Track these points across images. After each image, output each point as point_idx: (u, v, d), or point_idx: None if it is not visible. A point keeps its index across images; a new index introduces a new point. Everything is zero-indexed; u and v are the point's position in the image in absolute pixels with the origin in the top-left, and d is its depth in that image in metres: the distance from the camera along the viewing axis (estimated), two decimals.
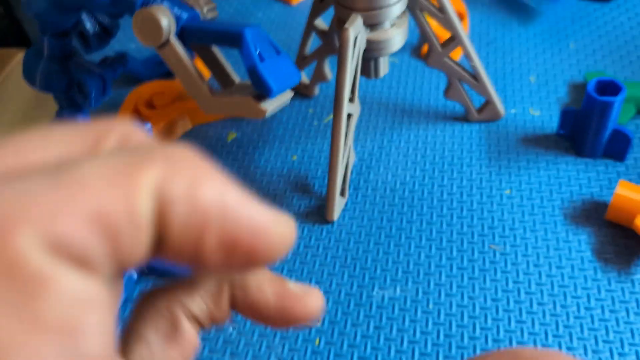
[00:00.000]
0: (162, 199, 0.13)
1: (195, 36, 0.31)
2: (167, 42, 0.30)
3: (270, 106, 0.29)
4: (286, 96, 0.30)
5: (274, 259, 0.15)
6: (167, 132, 0.57)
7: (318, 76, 0.56)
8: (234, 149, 0.56)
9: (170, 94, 0.59)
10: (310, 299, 0.20)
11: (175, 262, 0.14)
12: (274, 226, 0.15)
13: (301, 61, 0.56)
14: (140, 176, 0.13)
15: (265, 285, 0.20)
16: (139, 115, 0.58)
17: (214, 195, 0.14)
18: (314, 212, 0.49)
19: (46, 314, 0.11)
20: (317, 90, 0.59)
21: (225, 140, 0.57)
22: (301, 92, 0.59)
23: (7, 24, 0.64)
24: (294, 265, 0.45)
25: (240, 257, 0.14)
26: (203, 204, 0.13)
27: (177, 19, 0.30)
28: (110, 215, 0.12)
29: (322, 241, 0.47)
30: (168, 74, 0.64)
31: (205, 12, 0.32)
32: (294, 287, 0.20)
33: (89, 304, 0.12)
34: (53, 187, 0.12)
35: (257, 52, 0.28)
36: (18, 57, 0.57)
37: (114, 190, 0.12)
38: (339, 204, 0.48)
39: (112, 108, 0.61)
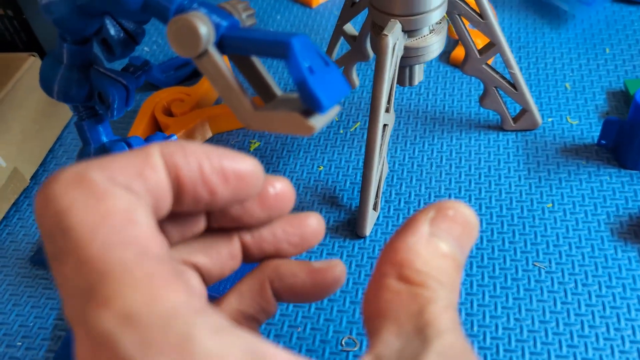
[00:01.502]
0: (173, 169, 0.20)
1: (237, 46, 0.28)
2: (206, 52, 0.27)
3: (319, 122, 0.26)
4: (334, 111, 0.27)
5: (257, 181, 0.22)
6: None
7: None
8: (257, 158, 0.53)
9: (189, 101, 0.56)
10: (335, 268, 0.26)
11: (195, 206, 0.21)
12: (244, 158, 0.22)
13: None
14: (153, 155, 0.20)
15: (296, 270, 0.26)
16: (157, 123, 0.56)
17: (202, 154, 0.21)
18: (344, 226, 0.47)
19: None
20: None
21: (248, 150, 0.54)
22: None
23: (16, 27, 0.62)
24: None
25: (234, 181, 0.21)
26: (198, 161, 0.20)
27: (217, 26, 0.27)
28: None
29: (354, 258, 0.44)
30: (185, 80, 0.62)
31: (245, 18, 0.30)
32: (318, 264, 0.26)
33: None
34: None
35: (307, 65, 0.26)
36: (29, 62, 0.54)
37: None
38: (371, 219, 0.45)
39: (127, 116, 0.58)
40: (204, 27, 0.27)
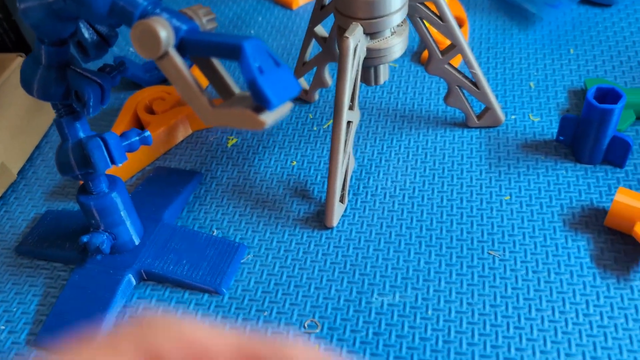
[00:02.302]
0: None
1: (195, 48, 0.31)
2: (166, 54, 0.30)
3: (269, 118, 0.29)
4: (285, 108, 0.30)
5: None
6: (167, 138, 0.57)
7: (318, 82, 0.56)
8: (234, 154, 0.56)
9: (170, 99, 0.59)
10: None
11: None
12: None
13: (301, 67, 0.56)
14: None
15: None
16: (138, 120, 0.58)
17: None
18: (313, 218, 0.49)
19: None
20: (316, 95, 0.59)
21: (225, 146, 0.57)
22: (301, 98, 0.60)
23: (5, 28, 0.64)
24: (293, 271, 0.45)
25: None
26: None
27: (176, 30, 0.30)
28: None
29: (321, 247, 0.47)
30: (167, 79, 0.64)
31: (205, 23, 0.32)
32: None
33: None
34: None
35: (257, 65, 0.29)
36: (17, 62, 0.57)
37: None
38: (338, 211, 0.48)
39: (111, 113, 0.61)
40: (164, 31, 0.29)
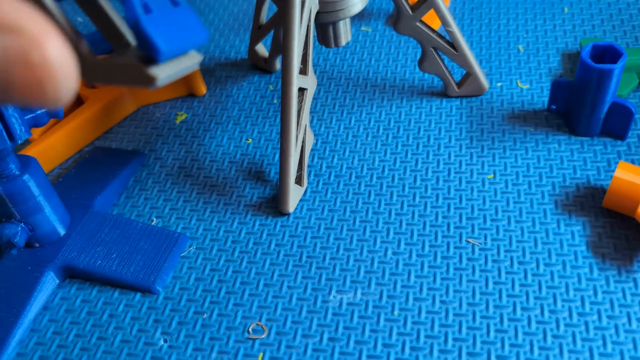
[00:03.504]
0: None
1: None
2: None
3: (163, 72, 0.22)
4: (190, 60, 0.23)
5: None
6: (107, 115, 0.50)
7: (276, 48, 0.49)
8: (182, 132, 0.49)
9: None
10: None
11: None
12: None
13: (257, 31, 0.49)
14: None
15: None
16: (76, 94, 0.52)
17: None
18: (268, 202, 0.43)
19: None
20: (278, 64, 0.52)
21: (173, 123, 0.50)
22: (259, 67, 0.53)
23: None
24: (241, 266, 0.39)
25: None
26: None
27: None
28: None
29: (274, 236, 0.41)
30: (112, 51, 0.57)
31: None
32: None
33: None
34: None
35: (143, 3, 0.21)
36: None
37: None
38: (294, 194, 0.41)
39: None
40: None
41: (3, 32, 0.13)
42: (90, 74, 0.24)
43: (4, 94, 0.14)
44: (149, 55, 0.22)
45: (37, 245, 0.40)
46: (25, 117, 0.35)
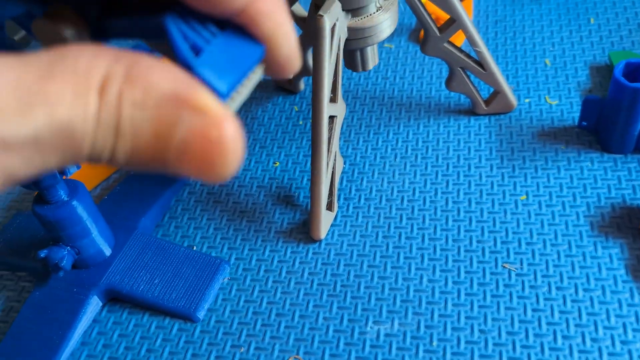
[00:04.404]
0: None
1: (115, 33, 0.23)
2: None
3: (232, 104, 0.21)
4: (253, 79, 0.22)
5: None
6: None
7: (302, 69, 0.49)
8: None
9: None
10: None
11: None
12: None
13: None
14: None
15: None
16: None
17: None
18: (298, 228, 0.43)
19: None
20: (302, 85, 0.52)
21: None
22: (284, 88, 0.53)
23: None
24: (275, 297, 0.39)
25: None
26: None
27: (90, 6, 0.23)
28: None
29: (307, 265, 0.40)
30: None
31: None
32: None
33: None
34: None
35: (191, 43, 0.21)
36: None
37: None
38: (325, 220, 0.41)
39: None
40: (68, 30, 0.22)
41: (191, 110, 0.15)
42: None
43: (180, 163, 0.15)
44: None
45: (83, 266, 0.40)
46: None
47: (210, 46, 0.21)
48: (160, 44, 0.25)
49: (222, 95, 0.21)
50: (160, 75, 0.15)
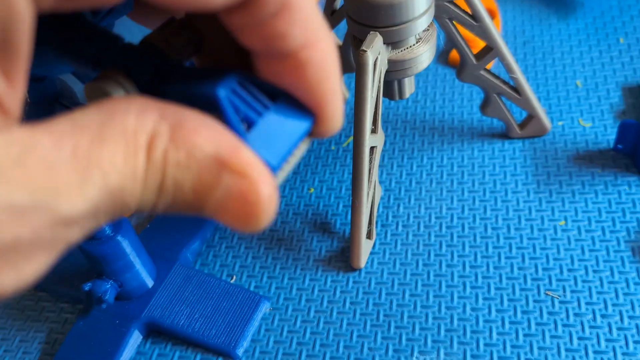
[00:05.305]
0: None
1: (166, 98, 0.24)
2: None
3: (280, 176, 0.22)
4: (301, 149, 0.23)
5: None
6: None
7: None
8: None
9: None
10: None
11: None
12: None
13: None
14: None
15: None
16: None
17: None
18: (337, 256, 0.43)
19: None
20: None
21: None
22: None
23: None
24: (318, 327, 0.39)
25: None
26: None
27: (141, 72, 0.23)
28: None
29: (348, 294, 0.41)
30: None
31: (183, 50, 0.25)
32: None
33: None
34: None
35: (242, 116, 0.21)
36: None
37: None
38: (365, 249, 0.41)
39: None
40: (119, 92, 0.23)
41: (231, 173, 0.16)
42: None
43: (216, 216, 0.16)
44: None
45: (126, 298, 0.41)
46: None
47: (261, 119, 0.22)
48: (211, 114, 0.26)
49: (273, 169, 0.22)
50: (204, 136, 0.16)
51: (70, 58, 0.25)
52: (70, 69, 0.27)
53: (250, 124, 0.21)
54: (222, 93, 0.21)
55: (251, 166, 0.16)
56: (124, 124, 0.15)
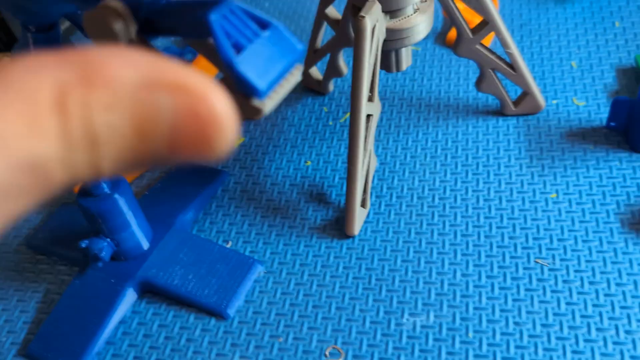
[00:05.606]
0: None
1: (161, 30, 0.25)
2: (132, 45, 0.24)
3: (269, 102, 0.23)
4: (292, 78, 0.24)
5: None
6: None
7: (332, 71, 0.50)
8: (242, 155, 0.50)
9: None
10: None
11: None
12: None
13: (312, 55, 0.50)
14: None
15: None
16: None
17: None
18: (332, 225, 0.44)
19: None
20: (331, 86, 0.53)
21: (233, 146, 0.51)
22: (314, 89, 0.54)
23: None
24: (311, 289, 0.40)
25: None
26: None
27: (136, 10, 0.24)
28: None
29: (342, 259, 0.41)
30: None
31: None
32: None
33: None
34: None
35: (233, 41, 0.22)
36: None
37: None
38: (359, 216, 0.42)
39: None
40: (118, 22, 0.23)
41: (168, 92, 0.13)
42: None
43: (173, 152, 0.14)
44: (250, 95, 0.23)
45: (122, 258, 0.41)
46: None
47: (251, 45, 0.23)
48: (202, 43, 0.27)
49: (261, 93, 0.23)
50: (125, 66, 0.13)
51: None
52: (74, 7, 0.28)
53: (240, 50, 0.22)
54: (214, 17, 0.22)
55: (191, 79, 0.13)
56: (21, 89, 0.12)
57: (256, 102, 0.23)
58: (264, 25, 0.24)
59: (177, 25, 0.24)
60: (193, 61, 0.57)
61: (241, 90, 0.23)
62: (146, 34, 0.25)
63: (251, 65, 0.22)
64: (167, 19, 0.24)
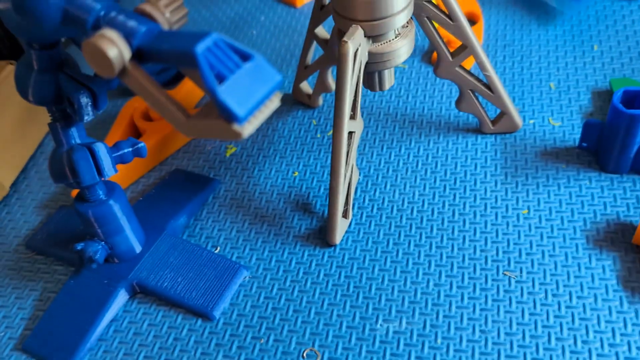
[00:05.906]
0: None
1: (152, 57, 0.27)
2: (124, 70, 0.27)
3: (248, 127, 0.25)
4: (271, 104, 0.26)
5: None
6: (164, 146, 0.54)
7: (321, 86, 0.52)
8: (232, 164, 0.53)
9: None
10: None
11: None
12: None
13: (303, 70, 0.53)
14: None
15: None
16: (135, 128, 0.56)
17: None
18: (315, 234, 0.46)
19: None
20: (320, 100, 0.56)
21: (224, 155, 0.54)
22: (304, 103, 0.56)
23: (0, 35, 0.62)
24: (293, 294, 0.42)
25: None
26: None
27: (131, 39, 0.27)
28: None
29: (323, 267, 0.44)
30: (167, 84, 0.61)
31: (169, 16, 0.29)
32: None
33: None
34: None
35: (216, 72, 0.25)
36: (8, 70, 0.55)
37: None
38: (341, 227, 0.45)
39: (107, 119, 0.58)
40: (113, 50, 0.26)
41: None
42: (186, 131, 0.28)
43: None
44: (230, 121, 0.26)
45: (115, 261, 0.44)
46: (113, 155, 0.39)
47: (233, 75, 0.26)
48: (190, 70, 0.29)
49: (240, 119, 0.25)
50: None
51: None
52: (75, 32, 0.31)
53: (222, 79, 0.25)
54: (199, 50, 0.25)
55: None
56: None
57: (236, 127, 0.26)
58: (245, 57, 0.26)
59: (167, 55, 0.27)
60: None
61: (223, 116, 0.25)
62: (139, 60, 0.27)
63: (232, 94, 0.25)
64: (158, 49, 0.27)
